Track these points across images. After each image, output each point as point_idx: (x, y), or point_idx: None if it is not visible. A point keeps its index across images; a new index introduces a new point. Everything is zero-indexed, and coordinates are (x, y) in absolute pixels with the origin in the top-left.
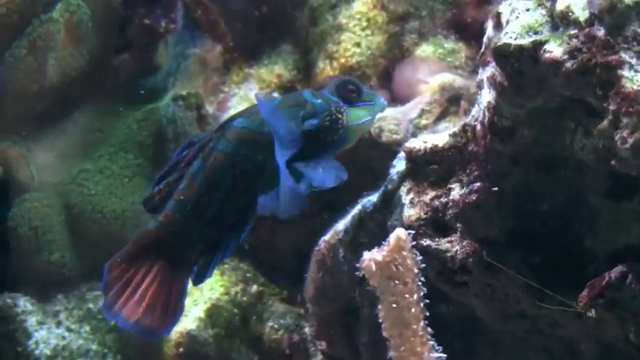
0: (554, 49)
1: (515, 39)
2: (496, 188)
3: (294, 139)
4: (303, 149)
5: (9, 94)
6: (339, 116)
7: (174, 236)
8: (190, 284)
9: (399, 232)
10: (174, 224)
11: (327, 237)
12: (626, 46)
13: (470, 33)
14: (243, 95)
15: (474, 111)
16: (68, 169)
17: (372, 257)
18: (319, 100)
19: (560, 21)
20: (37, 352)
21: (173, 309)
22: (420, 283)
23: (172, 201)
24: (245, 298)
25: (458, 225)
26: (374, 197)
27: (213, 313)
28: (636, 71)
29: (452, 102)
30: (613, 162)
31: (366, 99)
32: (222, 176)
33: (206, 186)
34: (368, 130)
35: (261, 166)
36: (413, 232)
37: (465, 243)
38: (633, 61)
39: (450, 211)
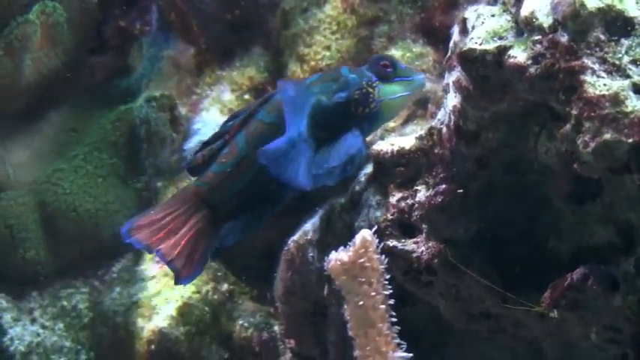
0: (519, 55)
1: (481, 44)
2: (461, 190)
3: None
4: (335, 120)
5: None
6: (370, 90)
7: (212, 195)
8: (164, 279)
9: (365, 233)
10: (214, 184)
11: (295, 237)
12: (588, 51)
13: (438, 37)
14: (216, 97)
15: (440, 114)
16: (43, 168)
17: (338, 257)
18: (353, 75)
19: (524, 27)
20: (11, 348)
21: (197, 261)
22: (385, 283)
23: (215, 164)
24: (216, 297)
25: (423, 226)
26: (342, 198)
27: (185, 312)
28: (598, 77)
29: (419, 105)
30: (576, 165)
31: (402, 74)
32: (260, 143)
33: (245, 152)
34: (405, 105)
35: None
36: (379, 232)
37: (430, 244)
38: (596, 66)
39: (416, 213)
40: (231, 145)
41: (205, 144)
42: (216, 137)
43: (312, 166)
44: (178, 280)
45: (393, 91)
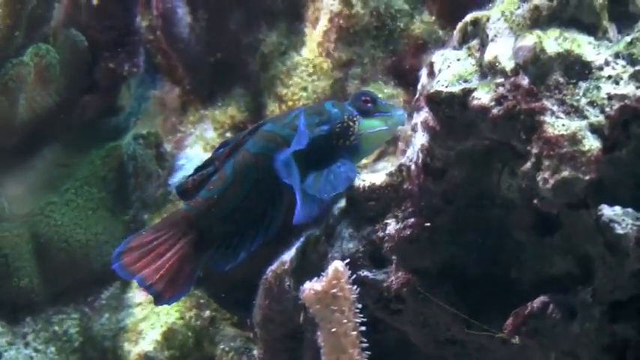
0: (482, 96)
1: (447, 87)
2: (429, 224)
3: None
4: (317, 151)
5: None
6: (351, 124)
7: (200, 220)
8: (150, 306)
9: (337, 264)
10: (202, 209)
11: (274, 267)
12: (548, 94)
13: (408, 79)
14: (199, 134)
15: (409, 152)
16: (36, 201)
17: (312, 287)
18: (335, 110)
19: (488, 70)
20: None
21: (182, 284)
22: (356, 311)
23: (204, 190)
24: (198, 322)
25: (393, 257)
26: (317, 230)
27: (169, 336)
28: (557, 117)
29: (390, 143)
30: (536, 201)
31: (382, 110)
32: (247, 171)
33: (233, 179)
34: (384, 139)
35: None
36: (351, 263)
37: (399, 274)
38: (555, 107)
39: (386, 245)
40: (220, 172)
41: (197, 169)
42: (207, 163)
43: (316, 192)
44: (158, 301)
45: (372, 125)
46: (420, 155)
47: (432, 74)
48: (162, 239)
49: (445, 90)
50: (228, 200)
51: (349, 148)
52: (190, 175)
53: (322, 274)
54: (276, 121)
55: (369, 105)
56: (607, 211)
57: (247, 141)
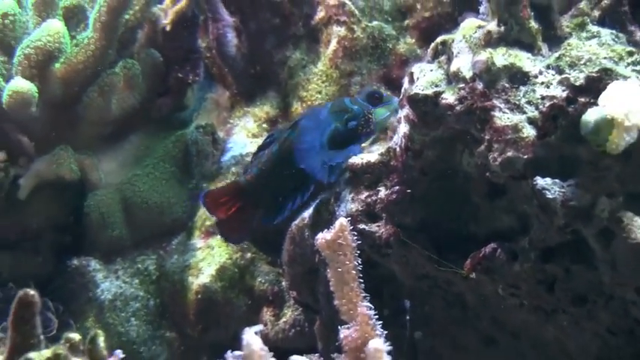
0: (449, 97)
1: (423, 90)
2: (409, 191)
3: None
4: (345, 138)
5: (85, 123)
6: (370, 117)
7: (251, 189)
8: (207, 249)
9: (342, 220)
10: (252, 181)
11: (296, 222)
12: (497, 95)
13: (395, 85)
14: (243, 125)
15: (395, 138)
16: (125, 173)
17: (323, 237)
18: (357, 107)
19: (453, 78)
20: (102, 297)
21: (239, 232)
22: (356, 255)
23: (255, 167)
24: (242, 262)
25: (383, 215)
26: (328, 195)
27: (221, 272)
28: (504, 112)
29: (381, 132)
30: (488, 174)
31: (385, 100)
32: (288, 155)
33: (278, 160)
34: (388, 121)
35: None
36: (352, 219)
37: (388, 227)
38: (502, 105)
39: (378, 206)
40: (267, 153)
41: (254, 154)
42: (260, 148)
43: (327, 159)
44: (228, 240)
45: (382, 113)
46: (403, 140)
47: (412, 81)
48: (226, 199)
49: (422, 92)
50: (273, 176)
51: (369, 133)
52: (252, 158)
53: (331, 227)
54: (310, 118)
55: (377, 99)
56: (540, 181)
57: (289, 132)
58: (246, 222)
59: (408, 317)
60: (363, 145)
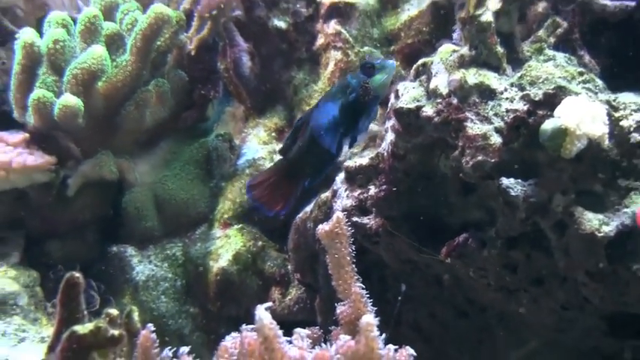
0: (428, 110)
1: (406, 104)
2: (395, 189)
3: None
4: (353, 108)
5: (123, 132)
6: (367, 85)
7: (293, 166)
8: (225, 238)
9: (338, 214)
10: (294, 160)
11: (300, 215)
12: (469, 109)
13: (382, 101)
14: (255, 134)
15: (383, 145)
16: (156, 174)
17: (323, 227)
18: (355, 80)
19: (432, 94)
20: (137, 278)
21: (284, 204)
22: (350, 243)
23: (294, 150)
24: (254, 249)
25: (373, 209)
26: (327, 192)
27: (236, 257)
28: (474, 123)
29: (371, 139)
30: (461, 175)
31: (380, 67)
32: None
33: (306, 142)
34: (388, 83)
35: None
36: (347, 213)
37: (377, 220)
38: (473, 117)
39: (369, 201)
40: (301, 138)
41: (288, 138)
42: (294, 131)
43: (347, 133)
44: (276, 214)
45: (379, 79)
46: (390, 146)
47: (397, 97)
48: (275, 178)
49: (405, 106)
50: (309, 154)
51: (372, 99)
52: (286, 140)
53: (330, 219)
54: (326, 97)
55: (372, 69)
56: (505, 181)
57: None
58: (290, 193)
59: (393, 295)
60: (362, 145)
